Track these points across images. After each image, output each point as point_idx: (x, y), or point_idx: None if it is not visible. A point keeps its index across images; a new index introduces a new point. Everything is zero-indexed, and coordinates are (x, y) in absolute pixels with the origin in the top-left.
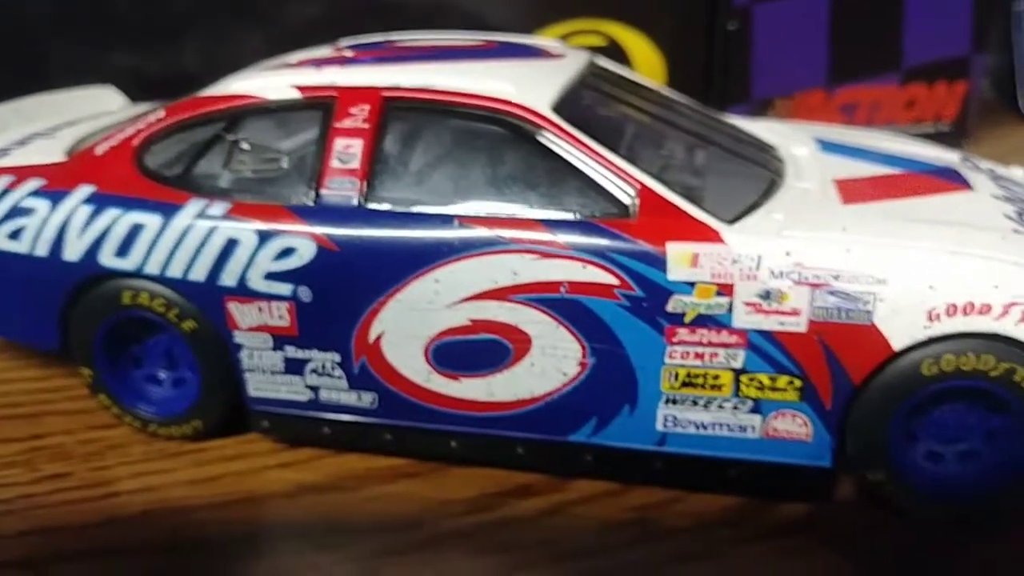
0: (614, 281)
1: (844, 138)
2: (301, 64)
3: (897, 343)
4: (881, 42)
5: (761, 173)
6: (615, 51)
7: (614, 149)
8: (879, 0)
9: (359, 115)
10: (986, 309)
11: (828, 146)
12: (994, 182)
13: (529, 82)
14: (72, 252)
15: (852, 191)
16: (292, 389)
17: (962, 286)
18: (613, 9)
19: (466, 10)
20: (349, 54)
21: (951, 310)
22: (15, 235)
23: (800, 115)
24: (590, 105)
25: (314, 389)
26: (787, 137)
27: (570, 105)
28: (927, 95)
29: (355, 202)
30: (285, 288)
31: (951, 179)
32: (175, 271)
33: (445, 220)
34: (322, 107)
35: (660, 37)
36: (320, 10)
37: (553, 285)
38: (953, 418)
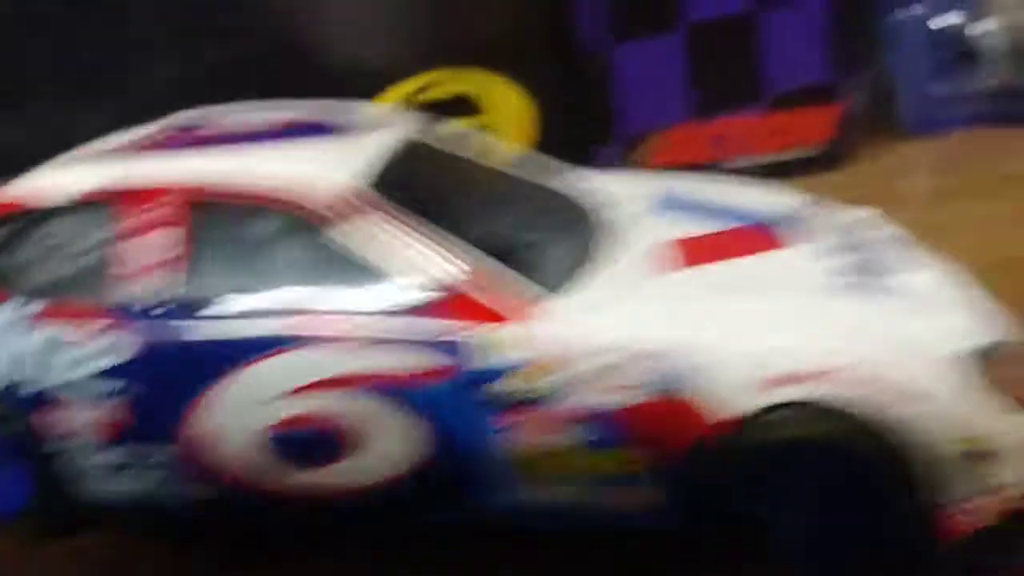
0: (438, 365)
1: (688, 190)
2: (109, 151)
3: (723, 414)
4: (742, 75)
5: (586, 243)
6: (478, 99)
7: (432, 226)
8: (734, 35)
9: (158, 211)
10: (805, 377)
11: (663, 203)
12: (829, 231)
13: (332, 165)
14: None
15: (679, 256)
16: (125, 486)
17: (782, 356)
18: (478, 57)
19: (332, 61)
20: (161, 138)
21: (773, 380)
22: None
23: (672, 150)
24: (405, 182)
25: (146, 485)
26: (620, 196)
27: (386, 184)
28: (791, 122)
29: (166, 298)
30: (108, 387)
31: (779, 234)
32: None
33: (258, 314)
34: (113, 206)
35: (526, 82)
36: (187, 70)
37: (377, 375)
38: (782, 483)
